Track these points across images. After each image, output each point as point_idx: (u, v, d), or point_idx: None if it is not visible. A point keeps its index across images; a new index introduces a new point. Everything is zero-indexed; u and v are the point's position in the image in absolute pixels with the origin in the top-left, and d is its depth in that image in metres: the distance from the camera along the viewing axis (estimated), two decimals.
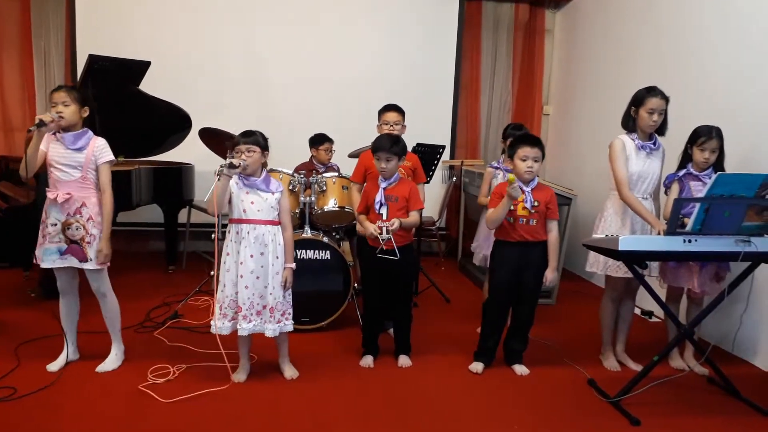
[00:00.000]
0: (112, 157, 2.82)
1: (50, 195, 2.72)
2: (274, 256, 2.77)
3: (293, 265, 2.84)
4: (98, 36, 5.29)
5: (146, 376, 2.82)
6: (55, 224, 2.73)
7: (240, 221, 2.75)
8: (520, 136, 3.14)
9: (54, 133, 2.73)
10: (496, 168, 3.65)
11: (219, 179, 2.63)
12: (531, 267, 3.00)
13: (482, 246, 3.66)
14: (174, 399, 2.60)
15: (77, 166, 2.73)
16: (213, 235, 4.17)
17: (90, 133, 2.80)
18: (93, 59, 3.88)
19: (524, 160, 2.94)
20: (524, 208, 2.95)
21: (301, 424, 2.47)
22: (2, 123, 5.40)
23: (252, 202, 2.74)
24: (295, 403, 2.66)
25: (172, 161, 5.02)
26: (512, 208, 2.94)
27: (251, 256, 2.73)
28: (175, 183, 4.82)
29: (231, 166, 2.62)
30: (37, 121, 2.58)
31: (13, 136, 5.41)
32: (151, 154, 4.96)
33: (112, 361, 2.93)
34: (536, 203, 2.95)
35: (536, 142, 2.96)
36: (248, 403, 2.63)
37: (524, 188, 2.96)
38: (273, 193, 2.79)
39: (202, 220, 5.19)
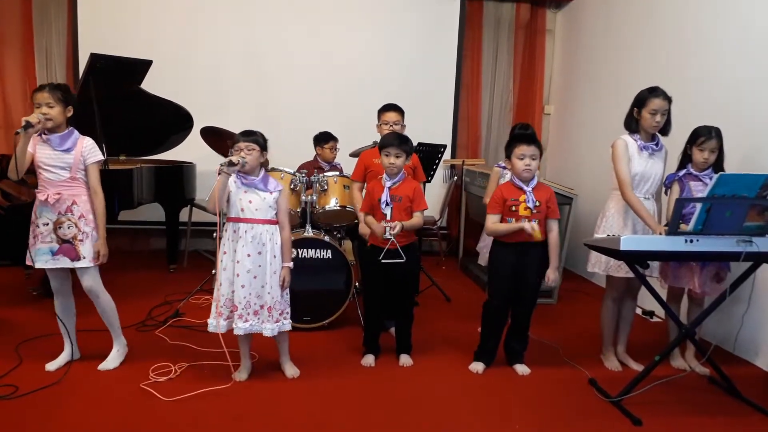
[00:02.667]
0: (100, 156, 2.82)
1: (41, 196, 2.71)
2: (271, 255, 2.76)
3: (291, 264, 2.84)
4: (100, 35, 5.29)
5: (148, 374, 2.82)
6: (47, 224, 2.72)
7: (238, 220, 2.75)
8: (516, 135, 3.11)
9: (40, 135, 2.70)
10: (504, 168, 3.64)
11: (219, 177, 2.64)
12: (531, 267, 2.99)
13: (488, 246, 3.66)
14: (176, 397, 2.60)
15: (66, 167, 2.71)
16: (214, 234, 4.21)
17: (76, 133, 2.77)
18: (95, 58, 3.88)
19: (522, 159, 2.93)
20: (526, 208, 2.93)
21: (302, 423, 2.47)
22: (4, 121, 5.41)
23: (250, 201, 2.74)
24: (296, 402, 2.66)
25: (174, 160, 5.03)
26: (514, 209, 2.94)
27: (248, 255, 2.72)
28: (176, 182, 4.82)
29: (230, 164, 2.64)
30: (23, 123, 2.55)
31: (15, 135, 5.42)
32: (152, 153, 4.96)
33: (114, 359, 2.93)
34: (538, 203, 2.95)
35: (533, 140, 2.95)
36: (249, 402, 2.63)
37: (525, 188, 2.95)
38: (271, 193, 2.78)
39: (203, 219, 5.19)
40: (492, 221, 3.01)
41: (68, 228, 2.72)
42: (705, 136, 2.96)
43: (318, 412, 2.57)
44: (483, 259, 3.78)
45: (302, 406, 2.62)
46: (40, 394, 2.60)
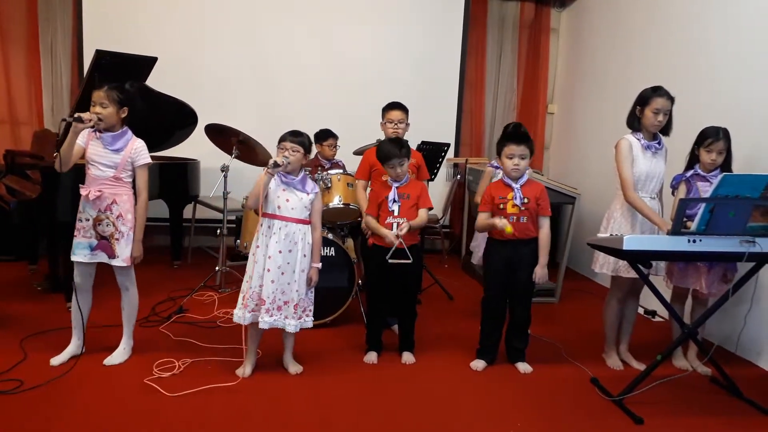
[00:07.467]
0: (149, 160, 2.86)
1: (82, 192, 2.76)
2: (302, 254, 2.81)
3: (319, 265, 2.90)
4: (105, 31, 5.29)
5: (152, 369, 2.83)
6: (88, 219, 2.77)
7: (273, 216, 2.79)
8: (507, 133, 3.13)
9: (94, 131, 2.76)
10: (497, 167, 3.65)
11: (263, 176, 2.69)
12: (523, 265, 3.00)
13: (481, 245, 3.66)
14: (179, 393, 2.62)
15: (113, 166, 2.77)
16: (218, 231, 4.23)
17: (129, 134, 2.83)
18: (100, 54, 3.89)
19: (511, 158, 2.94)
20: (514, 205, 2.95)
21: (305, 419, 2.48)
22: (9, 117, 5.42)
23: (287, 200, 2.79)
24: (300, 398, 2.68)
25: (178, 157, 5.04)
26: (502, 207, 2.95)
27: (279, 252, 2.77)
28: (180, 178, 4.83)
29: (275, 165, 2.69)
30: (75, 116, 2.60)
31: (20, 131, 5.43)
32: (156, 150, 4.96)
33: (119, 355, 2.95)
34: (526, 200, 2.95)
35: (523, 139, 2.95)
36: (253, 398, 2.64)
37: (513, 185, 2.97)
38: (308, 194, 2.84)
39: (207, 216, 5.20)
40: (481, 219, 3.03)
41: (107, 226, 2.77)
42: (713, 137, 2.94)
43: (321, 409, 2.58)
44: (476, 258, 3.81)
45: (305, 403, 2.63)
46: (45, 388, 2.62)
